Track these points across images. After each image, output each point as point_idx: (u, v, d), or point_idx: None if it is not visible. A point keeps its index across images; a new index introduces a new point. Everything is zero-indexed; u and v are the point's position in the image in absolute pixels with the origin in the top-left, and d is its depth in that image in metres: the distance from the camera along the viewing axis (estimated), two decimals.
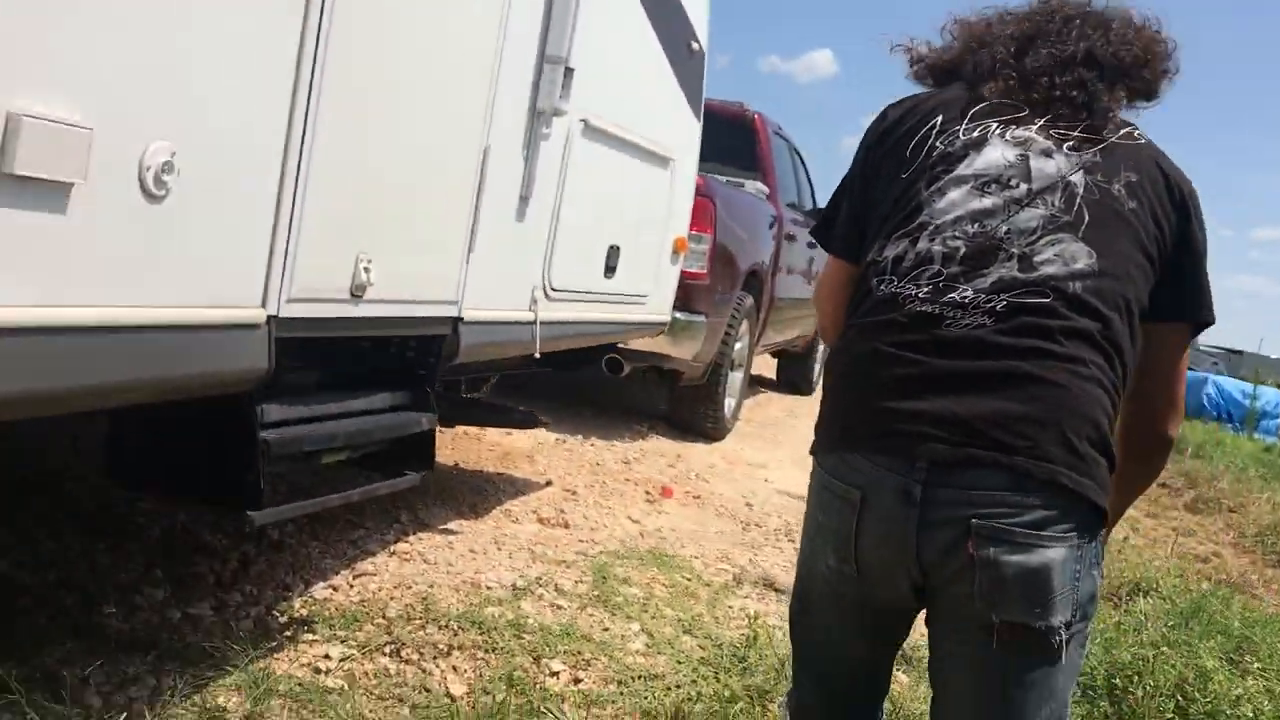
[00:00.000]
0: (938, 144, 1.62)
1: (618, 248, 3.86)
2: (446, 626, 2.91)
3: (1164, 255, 1.59)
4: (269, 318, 2.14)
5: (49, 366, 1.67)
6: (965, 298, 1.50)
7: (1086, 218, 1.52)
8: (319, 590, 3.09)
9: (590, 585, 3.45)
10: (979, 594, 1.42)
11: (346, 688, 2.54)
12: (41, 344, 1.64)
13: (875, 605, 1.60)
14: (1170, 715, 2.91)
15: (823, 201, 8.99)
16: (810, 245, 8.53)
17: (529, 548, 3.76)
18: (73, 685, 2.29)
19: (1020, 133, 1.59)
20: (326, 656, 2.69)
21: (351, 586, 3.13)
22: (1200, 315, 1.66)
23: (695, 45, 4.31)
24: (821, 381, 1.86)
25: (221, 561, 3.16)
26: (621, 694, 2.74)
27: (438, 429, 2.97)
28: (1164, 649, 3.19)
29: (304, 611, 2.93)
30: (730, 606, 3.54)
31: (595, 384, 7.47)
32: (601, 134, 3.54)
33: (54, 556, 2.94)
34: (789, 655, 1.92)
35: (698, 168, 4.88)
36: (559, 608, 3.21)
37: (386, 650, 2.77)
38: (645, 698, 2.74)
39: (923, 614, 1.60)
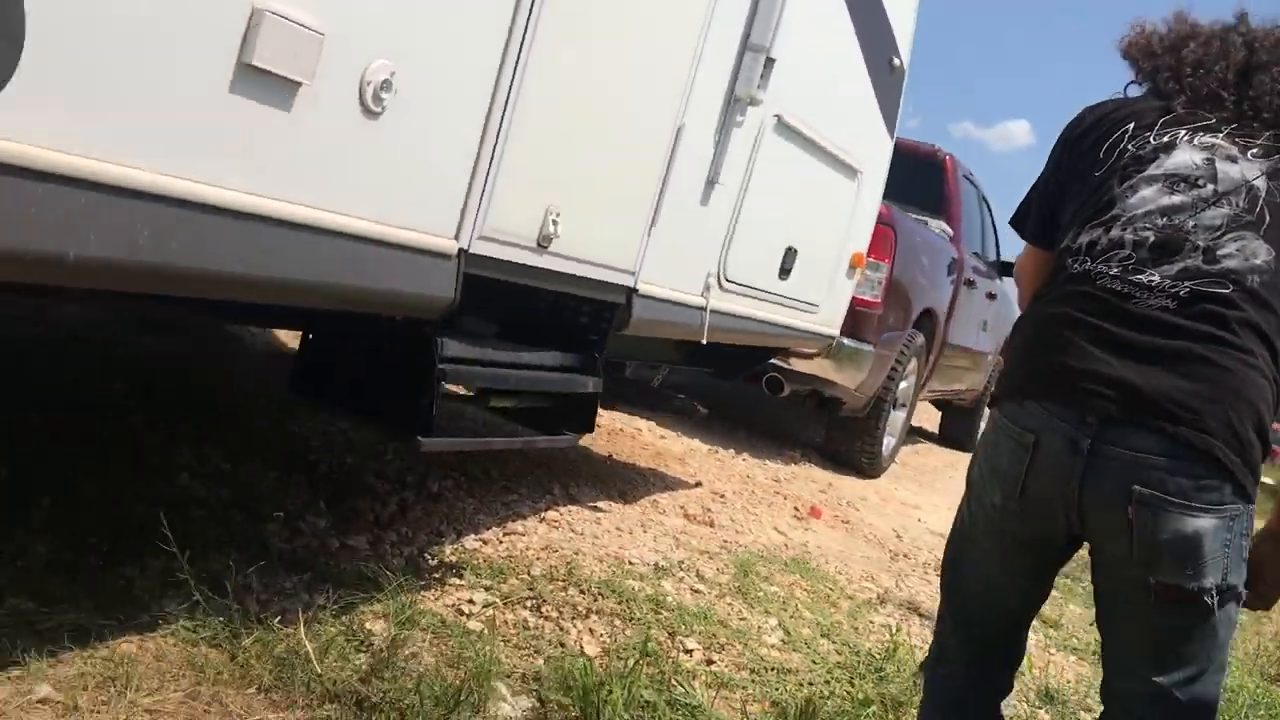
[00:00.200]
0: (1129, 147, 1.76)
1: (795, 250, 3.84)
2: (587, 591, 2.94)
3: None
4: (460, 251, 2.23)
5: (258, 254, 1.78)
6: (1152, 281, 1.63)
7: (1268, 219, 1.64)
8: (469, 541, 3.17)
9: (731, 577, 3.43)
10: (1136, 557, 1.57)
11: (486, 632, 2.60)
12: (254, 230, 1.74)
13: (1033, 539, 1.73)
14: None
15: (1006, 253, 8.77)
16: (990, 297, 8.31)
17: (674, 535, 3.77)
18: (235, 587, 2.41)
19: (1207, 139, 1.72)
20: (470, 601, 2.75)
21: (501, 542, 3.20)
22: None
23: (896, 62, 4.26)
24: (1008, 339, 1.97)
25: (381, 503, 3.28)
26: (753, 681, 2.71)
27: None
28: None
29: (453, 558, 3.01)
30: (871, 621, 3.46)
31: (753, 404, 7.44)
32: (793, 132, 3.54)
33: (229, 479, 3.10)
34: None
35: (884, 191, 4.80)
36: (698, 592, 3.20)
37: (528, 604, 2.81)
38: (777, 689, 2.70)
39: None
